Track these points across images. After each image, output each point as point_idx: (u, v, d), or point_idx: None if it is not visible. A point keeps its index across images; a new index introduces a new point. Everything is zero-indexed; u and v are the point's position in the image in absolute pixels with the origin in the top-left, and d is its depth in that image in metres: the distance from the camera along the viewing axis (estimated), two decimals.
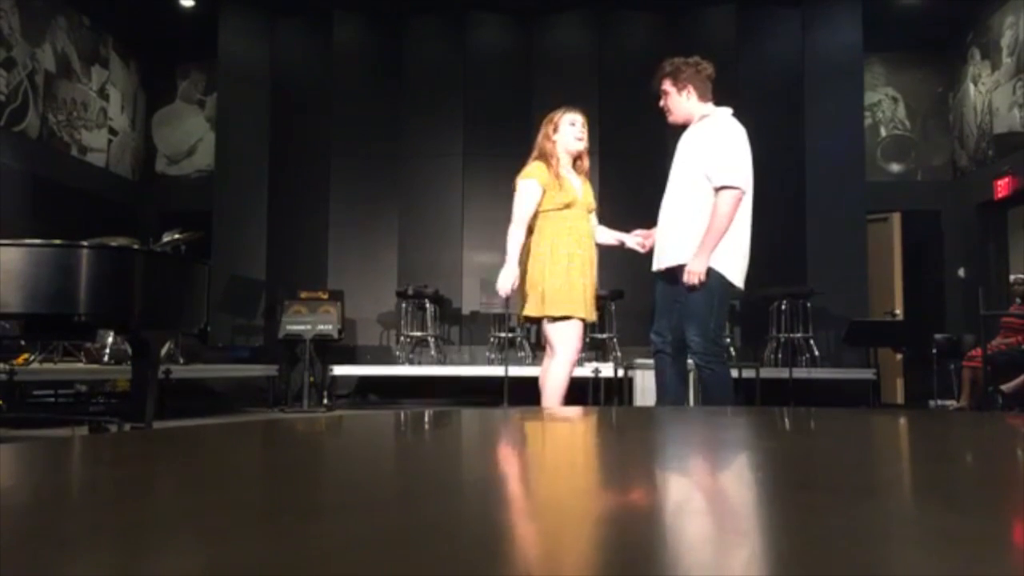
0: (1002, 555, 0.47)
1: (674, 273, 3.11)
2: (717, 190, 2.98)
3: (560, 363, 3.21)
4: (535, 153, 3.34)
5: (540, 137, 3.35)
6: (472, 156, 8.12)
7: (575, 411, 2.15)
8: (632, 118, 8.03)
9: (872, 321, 7.23)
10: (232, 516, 0.56)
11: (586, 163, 3.39)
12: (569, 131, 3.31)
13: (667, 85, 3.23)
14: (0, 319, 3.74)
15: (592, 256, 3.32)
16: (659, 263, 3.20)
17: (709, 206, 3.00)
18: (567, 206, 3.23)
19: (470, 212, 8.08)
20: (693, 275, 2.98)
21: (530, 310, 3.23)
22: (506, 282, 3.18)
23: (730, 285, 3.05)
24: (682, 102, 3.20)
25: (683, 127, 3.26)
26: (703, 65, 3.21)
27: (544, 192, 3.23)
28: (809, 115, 7.86)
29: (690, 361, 3.24)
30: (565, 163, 3.32)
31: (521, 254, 3.27)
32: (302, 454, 1.02)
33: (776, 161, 7.92)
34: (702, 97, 3.19)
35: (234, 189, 8.14)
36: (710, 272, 2.99)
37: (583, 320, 3.24)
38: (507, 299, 3.31)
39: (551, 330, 3.22)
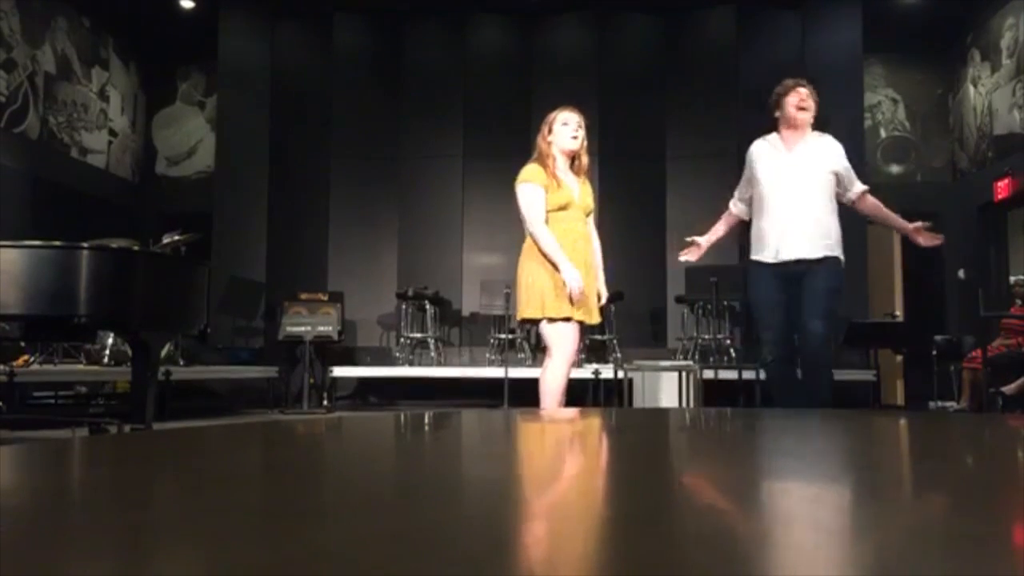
0: (1003, 556, 0.47)
1: (806, 264, 3.43)
2: (866, 191, 3.63)
3: (556, 364, 3.21)
4: (534, 154, 3.35)
5: (537, 139, 3.36)
6: (472, 158, 8.12)
7: (575, 413, 2.15)
8: (632, 120, 8.04)
9: (872, 322, 7.22)
10: (232, 518, 0.56)
11: (584, 162, 3.37)
12: (563, 131, 3.30)
13: (811, 91, 3.63)
14: (0, 320, 3.73)
15: (589, 258, 3.30)
16: (799, 252, 3.46)
17: (834, 205, 3.56)
18: (562, 208, 3.23)
19: (470, 214, 8.08)
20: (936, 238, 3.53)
21: (528, 312, 3.24)
22: (575, 279, 3.15)
23: None
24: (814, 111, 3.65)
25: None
26: None
27: (546, 192, 3.23)
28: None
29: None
30: (561, 164, 3.31)
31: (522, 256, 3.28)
32: (302, 456, 1.02)
33: None
34: None
35: (234, 190, 8.14)
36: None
37: (581, 322, 3.24)
38: (507, 300, 3.31)
39: (547, 332, 3.23)
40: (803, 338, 3.43)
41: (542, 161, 3.27)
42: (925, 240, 3.61)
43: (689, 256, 3.80)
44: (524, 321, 3.35)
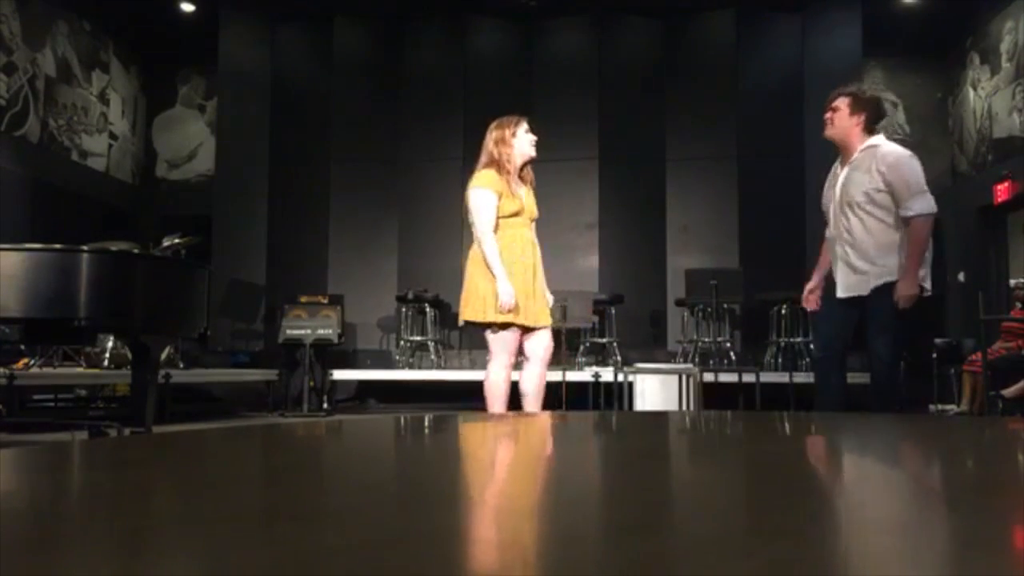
0: (1003, 558, 0.47)
1: (865, 296, 3.18)
2: (913, 218, 3.11)
3: (495, 369, 3.27)
4: (485, 159, 3.33)
5: (493, 142, 3.33)
6: (472, 161, 8.03)
7: (574, 416, 2.15)
8: (632, 123, 8.05)
9: None
10: (232, 521, 0.56)
11: (530, 172, 3.40)
12: (526, 138, 3.34)
13: (842, 103, 3.32)
14: (0, 323, 3.74)
15: (535, 263, 3.33)
16: (857, 290, 3.20)
17: (896, 228, 3.15)
18: (514, 215, 3.26)
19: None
20: (911, 299, 3.08)
21: (470, 315, 3.27)
22: (508, 293, 3.17)
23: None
24: (848, 124, 3.28)
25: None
26: (884, 107, 3.43)
27: (499, 199, 3.23)
28: (809, 121, 7.86)
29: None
30: (515, 171, 3.32)
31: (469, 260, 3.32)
32: (302, 459, 1.02)
33: (776, 167, 7.94)
34: (868, 130, 3.29)
35: (234, 194, 8.15)
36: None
37: (524, 327, 3.27)
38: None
39: (489, 338, 3.29)
40: (869, 359, 3.30)
41: (499, 167, 3.27)
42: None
43: (809, 305, 3.50)
44: (466, 323, 3.37)
